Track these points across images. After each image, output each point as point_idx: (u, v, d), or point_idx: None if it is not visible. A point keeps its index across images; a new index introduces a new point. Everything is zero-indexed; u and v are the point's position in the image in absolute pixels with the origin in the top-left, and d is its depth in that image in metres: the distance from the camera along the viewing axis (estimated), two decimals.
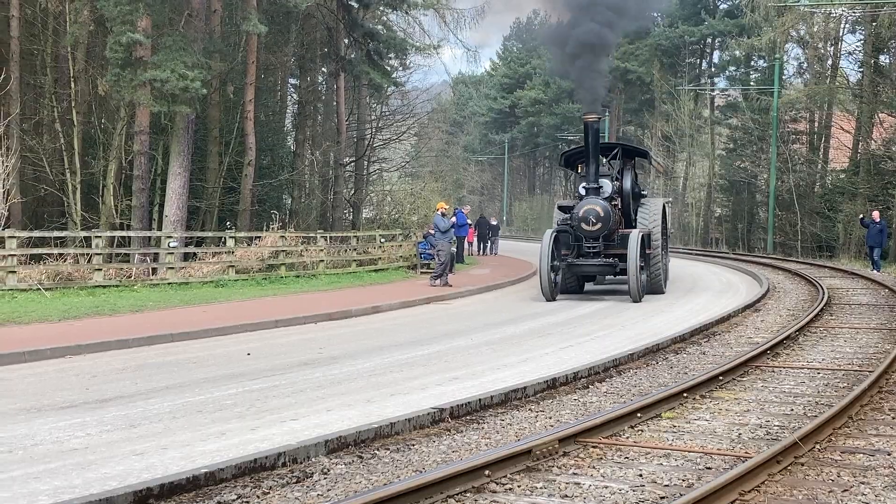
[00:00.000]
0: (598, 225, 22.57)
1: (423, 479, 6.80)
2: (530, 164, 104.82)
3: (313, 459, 7.75)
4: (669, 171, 70.58)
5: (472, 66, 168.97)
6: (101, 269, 22.95)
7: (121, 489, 6.44)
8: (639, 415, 9.62)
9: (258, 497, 6.82)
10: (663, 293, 24.86)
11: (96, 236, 23.71)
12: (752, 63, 65.05)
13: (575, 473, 7.62)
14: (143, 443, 8.18)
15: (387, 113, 51.05)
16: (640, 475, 7.56)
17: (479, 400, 10.02)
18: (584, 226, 22.68)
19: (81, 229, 27.44)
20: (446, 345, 15.11)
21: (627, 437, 8.94)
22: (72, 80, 31.60)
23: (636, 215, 25.00)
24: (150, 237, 26.79)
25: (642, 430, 9.26)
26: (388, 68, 41.59)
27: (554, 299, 23.03)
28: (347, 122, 43.15)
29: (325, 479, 7.32)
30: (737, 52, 64.10)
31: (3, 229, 23.26)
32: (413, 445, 8.43)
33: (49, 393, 10.69)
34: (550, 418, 9.74)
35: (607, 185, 23.73)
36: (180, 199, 27.92)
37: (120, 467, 7.33)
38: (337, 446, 8.06)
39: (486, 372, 12.36)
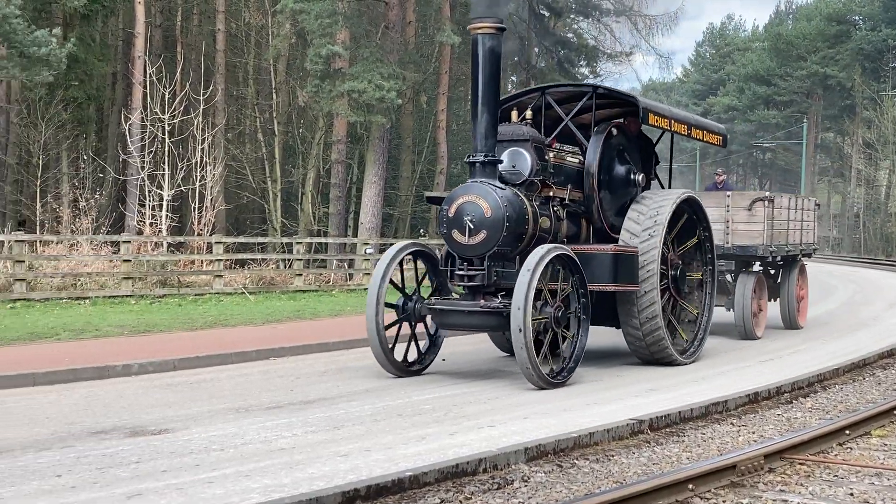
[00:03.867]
0: (481, 235, 12.02)
1: (624, 490, 6.72)
2: None
3: (513, 466, 7.77)
4: (871, 180, 67.79)
5: (664, 72, 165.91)
6: (301, 275, 23.71)
7: (329, 489, 6.61)
8: (847, 432, 9.26)
9: (460, 502, 6.88)
10: (675, 364, 13.75)
11: (297, 242, 24.50)
12: None
13: (782, 490, 7.39)
14: (346, 444, 8.37)
15: None
16: (851, 494, 7.27)
17: (679, 412, 9.84)
18: (455, 236, 12.24)
19: (281, 235, 28.41)
20: None
21: (836, 455, 8.62)
22: (273, 91, 32.82)
23: (622, 218, 14.00)
24: (346, 244, 27.51)
25: (851, 448, 8.91)
26: (579, 76, 41.50)
27: (408, 371, 12.76)
28: None
29: (525, 486, 7.33)
30: None
31: (210, 235, 24.30)
32: (612, 456, 8.35)
33: (255, 393, 11.07)
34: (753, 433, 9.48)
35: (523, 160, 12.82)
36: (375, 207, 28.56)
37: (326, 468, 7.51)
38: (536, 454, 8.06)
39: (684, 384, 12.12)
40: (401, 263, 12.85)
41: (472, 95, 12.85)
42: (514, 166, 12.80)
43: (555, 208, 13.17)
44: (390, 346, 12.46)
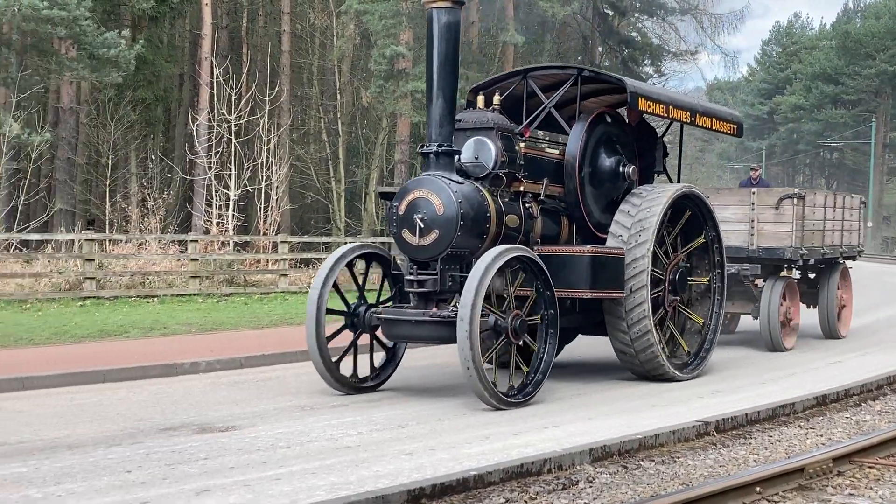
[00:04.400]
0: (433, 235, 10.60)
1: (691, 493, 6.67)
2: (789, 172, 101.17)
3: (578, 467, 7.74)
4: None
5: (730, 71, 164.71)
6: (364, 274, 23.80)
7: (395, 487, 6.64)
8: None
9: (525, 502, 6.88)
10: (673, 381, 12.19)
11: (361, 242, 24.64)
12: None
13: (851, 494, 7.28)
14: (411, 443, 8.40)
15: None
16: None
17: (746, 414, 9.74)
18: (405, 236, 10.86)
19: (345, 235, 28.60)
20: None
21: None
22: (337, 91, 33.04)
23: (611, 216, 12.35)
24: None
25: None
26: (643, 75, 41.25)
27: (358, 388, 11.28)
28: None
29: (590, 487, 7.30)
30: None
31: (275, 235, 24.53)
32: (678, 458, 8.29)
33: (321, 392, 11.15)
34: (821, 436, 9.36)
35: (487, 150, 11.14)
36: None
37: (391, 466, 7.55)
38: (601, 455, 8.02)
39: (749, 386, 12.01)
40: (351, 267, 11.71)
41: (426, 78, 11.33)
42: (476, 158, 11.16)
43: (527, 205, 11.56)
44: (337, 358, 11.23)
